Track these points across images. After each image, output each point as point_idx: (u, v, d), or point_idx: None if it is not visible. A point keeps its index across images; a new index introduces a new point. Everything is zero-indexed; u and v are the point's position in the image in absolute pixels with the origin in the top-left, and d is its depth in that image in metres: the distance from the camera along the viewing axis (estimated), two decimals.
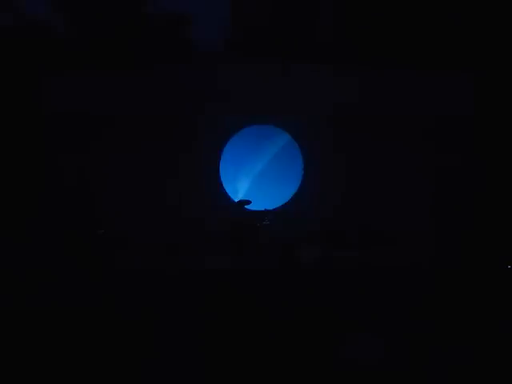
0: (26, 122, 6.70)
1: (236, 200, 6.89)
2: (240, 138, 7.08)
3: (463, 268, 5.63)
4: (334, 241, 6.40)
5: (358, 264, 5.91)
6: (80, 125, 6.77)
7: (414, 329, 4.29)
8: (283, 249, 6.08)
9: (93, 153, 6.78)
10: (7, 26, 6.76)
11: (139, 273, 5.41)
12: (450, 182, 6.73)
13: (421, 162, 6.81)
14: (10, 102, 6.68)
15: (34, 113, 6.72)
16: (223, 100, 6.81)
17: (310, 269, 5.78)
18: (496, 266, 5.72)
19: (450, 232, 6.51)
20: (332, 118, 6.83)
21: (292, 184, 7.01)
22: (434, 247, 6.31)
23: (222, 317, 4.48)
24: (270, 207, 6.84)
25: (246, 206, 6.77)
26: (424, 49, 6.72)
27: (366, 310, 4.64)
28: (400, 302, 4.78)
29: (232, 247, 6.28)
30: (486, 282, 5.23)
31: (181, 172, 6.81)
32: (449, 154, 6.79)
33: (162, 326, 4.36)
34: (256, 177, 7.09)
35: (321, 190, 6.83)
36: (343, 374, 3.65)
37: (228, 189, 7.00)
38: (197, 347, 4.02)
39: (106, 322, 4.42)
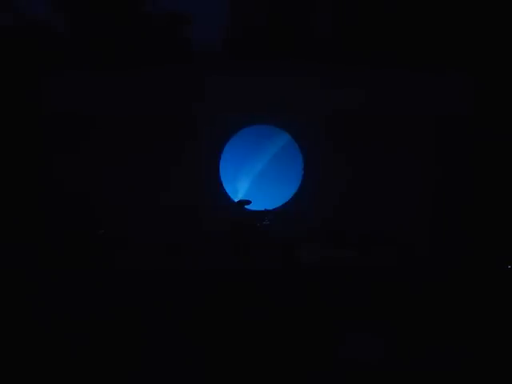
0: (25, 122, 6.70)
1: (236, 200, 6.89)
2: (240, 138, 7.08)
3: (463, 268, 5.63)
4: (334, 241, 6.40)
5: (357, 264, 5.91)
6: (79, 124, 6.77)
7: (413, 329, 4.29)
8: (283, 249, 6.08)
9: (92, 153, 6.77)
10: (7, 26, 6.76)
11: (139, 273, 5.41)
12: (450, 182, 6.73)
13: (420, 161, 6.80)
14: (9, 102, 6.67)
15: (34, 112, 6.72)
16: (223, 100, 6.81)
17: (309, 269, 5.78)
18: (496, 266, 5.72)
19: (449, 232, 6.51)
20: (332, 118, 6.82)
21: (292, 184, 7.01)
22: (434, 247, 6.31)
23: (221, 317, 4.48)
24: (270, 207, 6.84)
25: (245, 206, 6.77)
26: (424, 49, 6.72)
27: (365, 309, 4.64)
28: (400, 302, 4.78)
29: (232, 247, 6.28)
30: (485, 282, 5.24)
31: (181, 172, 6.81)
32: (448, 154, 6.78)
33: (161, 325, 4.36)
34: (256, 177, 7.10)
35: (321, 190, 6.83)
36: (343, 373, 3.65)
37: (228, 189, 7.00)
38: (197, 347, 4.02)
39: (106, 321, 4.42)
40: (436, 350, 3.94)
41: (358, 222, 6.59)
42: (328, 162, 6.87)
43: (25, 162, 6.67)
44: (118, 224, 6.57)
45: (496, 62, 6.68)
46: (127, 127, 6.79)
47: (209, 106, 6.80)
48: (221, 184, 6.99)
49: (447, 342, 4.07)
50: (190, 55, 6.91)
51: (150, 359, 3.84)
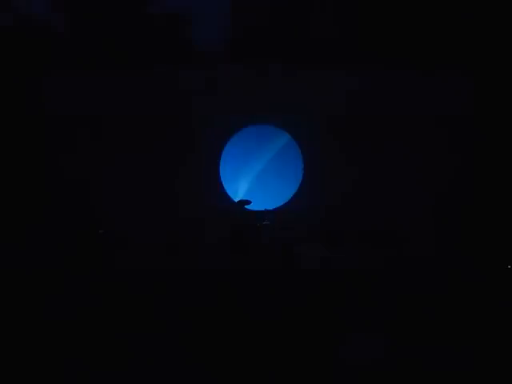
0: (25, 122, 6.70)
1: (236, 200, 6.89)
2: (240, 138, 7.08)
3: (463, 268, 5.63)
4: (333, 241, 6.40)
5: (357, 264, 5.91)
6: (80, 125, 6.77)
7: (413, 329, 4.29)
8: (283, 249, 6.08)
9: (93, 153, 6.78)
10: (7, 26, 6.76)
11: (139, 273, 5.41)
12: (450, 182, 6.73)
13: (421, 162, 6.80)
14: (9, 103, 6.68)
15: (34, 113, 6.72)
16: (223, 100, 6.81)
17: (309, 269, 5.78)
18: (496, 266, 5.72)
19: (450, 232, 6.51)
20: (332, 117, 6.82)
21: (292, 184, 7.01)
22: (434, 247, 6.31)
23: (221, 317, 4.48)
24: (270, 207, 6.84)
25: (246, 206, 6.77)
26: (424, 49, 6.72)
27: (365, 310, 4.64)
28: (400, 302, 4.78)
29: (232, 247, 6.28)
30: (486, 282, 5.23)
31: (181, 172, 6.81)
32: (449, 154, 6.78)
33: (161, 325, 4.36)
34: (256, 177, 7.10)
35: (321, 190, 6.83)
36: (343, 373, 3.65)
37: (228, 189, 7.00)
38: (197, 347, 4.02)
39: (106, 322, 4.42)
40: (436, 350, 3.94)
41: (358, 222, 6.59)
42: (328, 161, 6.87)
43: (26, 163, 6.67)
44: (118, 224, 6.58)
45: (495, 62, 6.68)
46: (127, 127, 6.80)
47: (209, 106, 6.81)
48: (221, 184, 6.99)
49: (447, 342, 4.07)
50: (191, 55, 6.92)
51: (150, 359, 3.84)
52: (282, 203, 6.95)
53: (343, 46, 6.82)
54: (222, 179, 7.00)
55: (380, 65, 6.75)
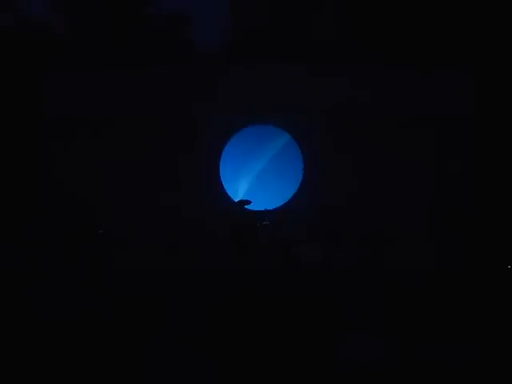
0: (25, 123, 6.70)
1: (236, 200, 6.89)
2: (240, 138, 7.08)
3: (463, 268, 5.63)
4: (333, 241, 6.40)
5: (357, 264, 5.91)
6: (80, 125, 6.78)
7: (413, 329, 4.29)
8: (283, 249, 6.08)
9: (93, 153, 6.78)
10: (7, 26, 6.77)
11: (139, 273, 5.41)
12: (450, 182, 6.73)
13: (420, 161, 6.80)
14: (9, 103, 6.68)
15: (33, 113, 6.72)
16: (223, 100, 6.81)
17: (309, 269, 5.78)
18: (496, 266, 5.72)
19: (450, 232, 6.51)
20: (332, 118, 6.82)
21: (292, 184, 7.01)
22: (434, 247, 6.31)
23: (221, 316, 4.48)
24: (270, 207, 6.84)
25: (246, 206, 6.77)
26: (424, 49, 6.72)
27: (365, 309, 4.64)
28: (400, 302, 4.78)
29: (232, 247, 6.29)
30: (486, 282, 5.24)
31: (181, 172, 6.81)
32: (448, 154, 6.79)
33: (162, 325, 4.36)
34: (256, 177, 7.10)
35: (321, 190, 6.83)
36: (343, 374, 3.65)
37: (228, 189, 7.00)
38: (197, 347, 4.02)
39: (106, 322, 4.42)
40: (436, 349, 3.94)
41: (357, 222, 6.59)
42: (328, 161, 6.87)
43: (25, 163, 6.68)
44: (118, 224, 6.58)
45: (496, 62, 6.68)
46: (127, 127, 6.80)
47: (209, 106, 6.81)
48: (221, 184, 6.99)
49: (447, 342, 4.07)
50: (190, 55, 6.92)
51: (150, 359, 3.84)
52: (281, 203, 6.95)
53: (343, 47, 6.82)
54: (222, 179, 7.00)
55: (379, 65, 6.76)
